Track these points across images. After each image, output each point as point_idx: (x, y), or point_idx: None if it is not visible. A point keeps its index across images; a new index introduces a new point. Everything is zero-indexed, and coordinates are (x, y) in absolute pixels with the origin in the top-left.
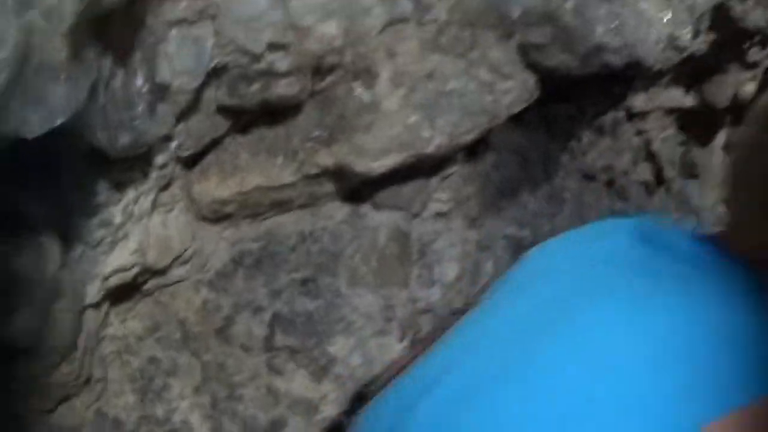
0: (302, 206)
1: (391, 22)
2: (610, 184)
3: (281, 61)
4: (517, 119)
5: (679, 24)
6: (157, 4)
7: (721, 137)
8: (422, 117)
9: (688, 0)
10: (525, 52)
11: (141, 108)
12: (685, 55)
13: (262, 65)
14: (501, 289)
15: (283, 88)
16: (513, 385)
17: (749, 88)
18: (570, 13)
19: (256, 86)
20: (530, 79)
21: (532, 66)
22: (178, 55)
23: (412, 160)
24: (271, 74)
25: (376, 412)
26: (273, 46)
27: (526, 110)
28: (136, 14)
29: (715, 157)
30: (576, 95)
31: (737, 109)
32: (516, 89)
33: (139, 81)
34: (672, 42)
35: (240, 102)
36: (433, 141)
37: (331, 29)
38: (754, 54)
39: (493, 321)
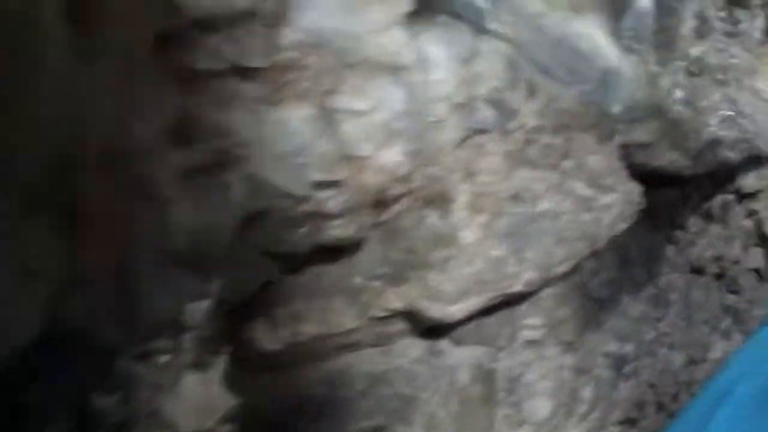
0: (371, 345)
1: (469, 135)
2: (719, 276)
3: (333, 201)
4: None
5: None
6: (160, 154)
7: None
8: (508, 249)
9: None
10: (628, 154)
11: (146, 288)
12: None
13: (309, 207)
14: None
15: (338, 230)
16: None
17: None
18: (680, 103)
19: (304, 230)
20: (635, 190)
21: (635, 168)
22: (197, 211)
23: (496, 301)
24: (321, 216)
25: None
26: (321, 185)
27: None
28: (134, 170)
29: None
30: (679, 180)
31: None
32: (619, 203)
33: (147, 255)
34: None
35: (287, 248)
36: (521, 277)
37: (394, 155)
38: None
39: None
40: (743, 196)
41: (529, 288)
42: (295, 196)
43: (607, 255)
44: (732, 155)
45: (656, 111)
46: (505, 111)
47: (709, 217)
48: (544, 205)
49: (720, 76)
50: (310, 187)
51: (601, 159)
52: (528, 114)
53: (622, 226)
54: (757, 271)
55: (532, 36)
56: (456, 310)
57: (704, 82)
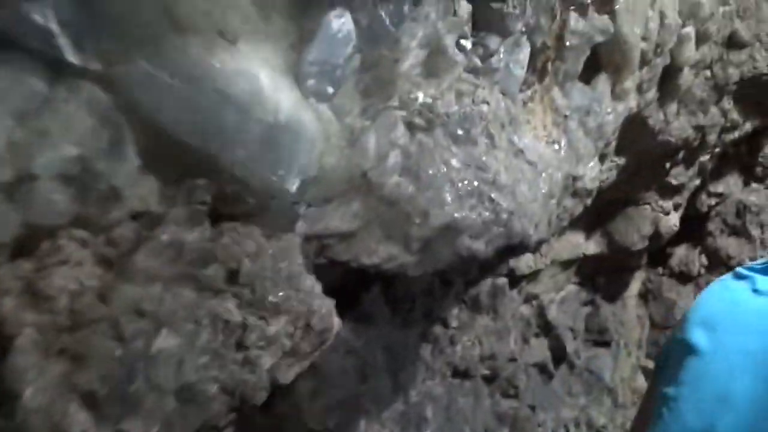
0: None
1: (36, 234)
2: (491, 378)
3: None
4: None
5: (580, 156)
6: None
7: (635, 285)
8: (97, 416)
9: (590, 120)
10: (319, 249)
11: None
12: (589, 201)
13: None
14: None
15: None
16: None
17: (671, 220)
18: (396, 172)
19: None
20: (323, 307)
21: (333, 269)
22: None
23: None
24: None
25: None
26: None
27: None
28: None
29: (628, 312)
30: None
31: (655, 249)
32: (293, 332)
33: None
34: (571, 187)
35: None
36: None
37: None
38: (677, 175)
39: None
40: (518, 279)
41: None
42: None
43: (333, 368)
44: (479, 246)
45: (360, 185)
46: (94, 193)
47: (476, 306)
48: (162, 343)
49: (460, 131)
50: None
51: (268, 262)
52: (141, 197)
53: (298, 367)
54: (540, 366)
55: (147, 75)
56: None
57: (436, 141)
